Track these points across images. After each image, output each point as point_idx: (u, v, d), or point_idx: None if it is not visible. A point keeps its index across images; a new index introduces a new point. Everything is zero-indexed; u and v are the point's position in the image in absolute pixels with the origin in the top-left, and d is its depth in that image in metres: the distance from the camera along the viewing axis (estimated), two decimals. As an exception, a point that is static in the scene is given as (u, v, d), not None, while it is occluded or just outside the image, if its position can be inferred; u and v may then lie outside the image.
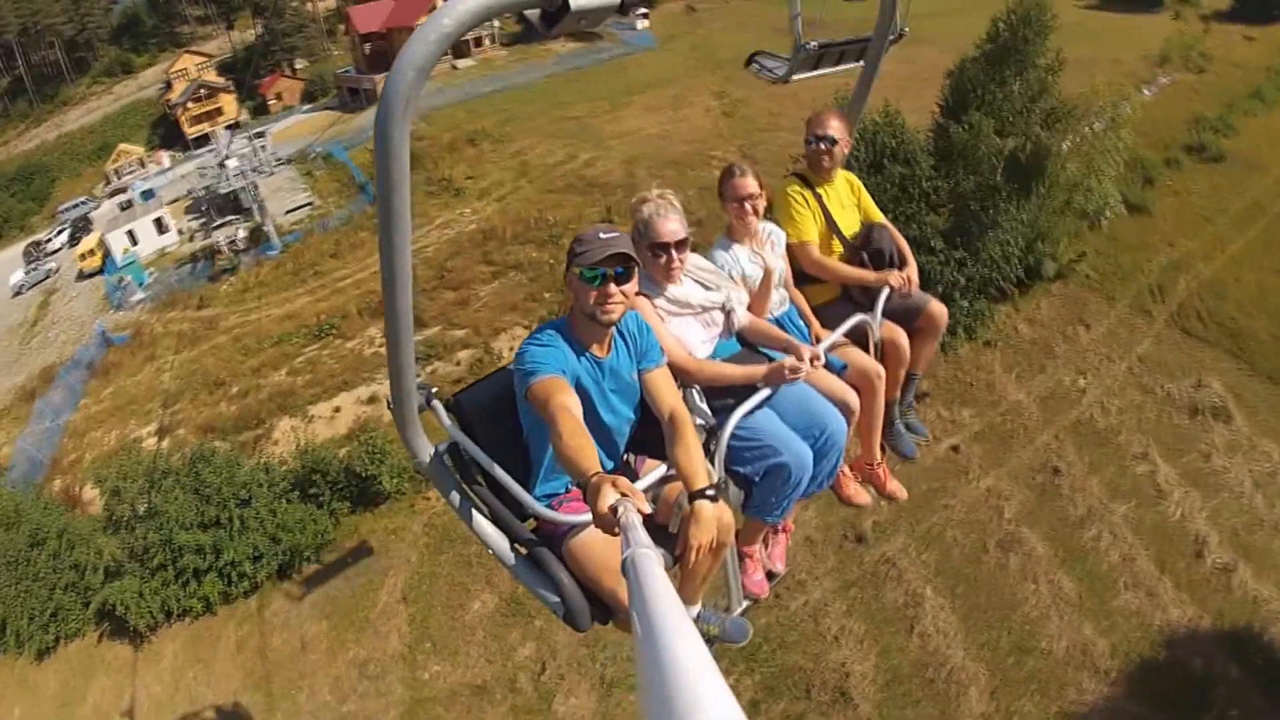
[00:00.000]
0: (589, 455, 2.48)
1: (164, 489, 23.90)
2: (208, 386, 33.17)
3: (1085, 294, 27.99)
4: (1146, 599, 19.14)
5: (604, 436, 3.15)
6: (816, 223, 4.59)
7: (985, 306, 25.94)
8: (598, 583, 2.94)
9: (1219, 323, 26.39)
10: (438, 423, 3.31)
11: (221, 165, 49.22)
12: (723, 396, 3.48)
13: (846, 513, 20.08)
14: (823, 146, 4.51)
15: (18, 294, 51.71)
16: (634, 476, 3.22)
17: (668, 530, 2.92)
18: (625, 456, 3.45)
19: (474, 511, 3.23)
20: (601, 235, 3.03)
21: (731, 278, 4.08)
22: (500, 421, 3.27)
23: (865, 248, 4.57)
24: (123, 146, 72.84)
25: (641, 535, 1.73)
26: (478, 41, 68.20)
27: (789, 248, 4.54)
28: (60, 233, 59.04)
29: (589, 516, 2.64)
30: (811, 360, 3.48)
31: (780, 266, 4.32)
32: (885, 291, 4.38)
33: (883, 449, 4.86)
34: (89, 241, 51.67)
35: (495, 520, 3.18)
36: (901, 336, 4.50)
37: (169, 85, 78.86)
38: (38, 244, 58.50)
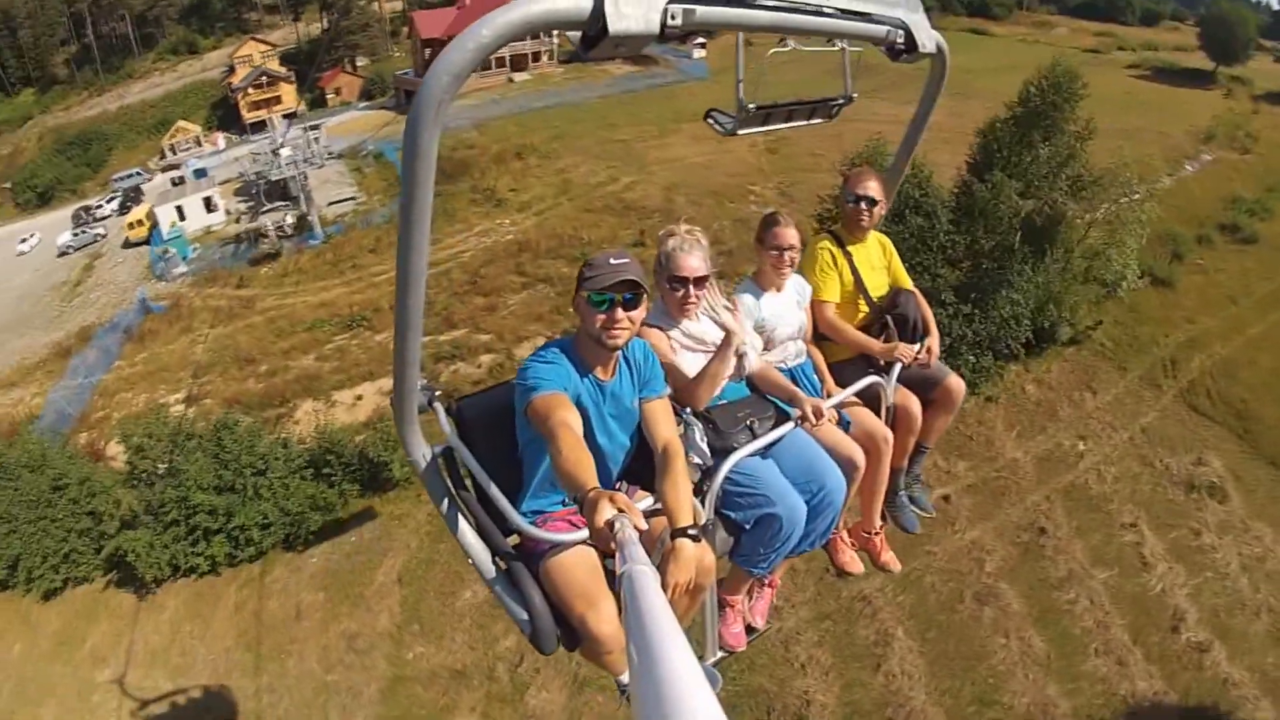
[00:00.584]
0: (588, 470, 2.53)
1: (186, 451, 25.80)
2: (238, 362, 35.30)
3: (1098, 361, 28.88)
4: (1115, 667, 19.81)
5: (598, 461, 3.01)
6: (843, 282, 4.66)
7: (991, 363, 26.92)
8: (569, 606, 2.92)
9: (1228, 403, 27.18)
10: (437, 425, 3.45)
11: (275, 152, 52.12)
12: (726, 440, 3.52)
13: (830, 545, 21.20)
14: (862, 207, 4.58)
15: (63, 254, 54.83)
16: None
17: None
18: (617, 485, 3.46)
19: (460, 518, 3.31)
20: (612, 261, 3.10)
21: (762, 326, 4.25)
22: (497, 434, 3.34)
23: (890, 311, 4.61)
24: (181, 124, 76.51)
25: (638, 551, 1.77)
26: (535, 57, 71.21)
27: (810, 303, 4.63)
28: (111, 200, 62.44)
29: (571, 536, 2.92)
30: (814, 414, 3.55)
31: (800, 321, 4.42)
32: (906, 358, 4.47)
33: (883, 518, 4.94)
34: (138, 212, 54.57)
35: (479, 530, 3.26)
36: (915, 404, 4.52)
37: (232, 69, 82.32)
38: (88, 209, 61.81)
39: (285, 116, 67.96)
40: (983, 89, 29.89)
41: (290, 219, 48.33)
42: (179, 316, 40.76)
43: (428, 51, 73.27)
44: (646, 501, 3.16)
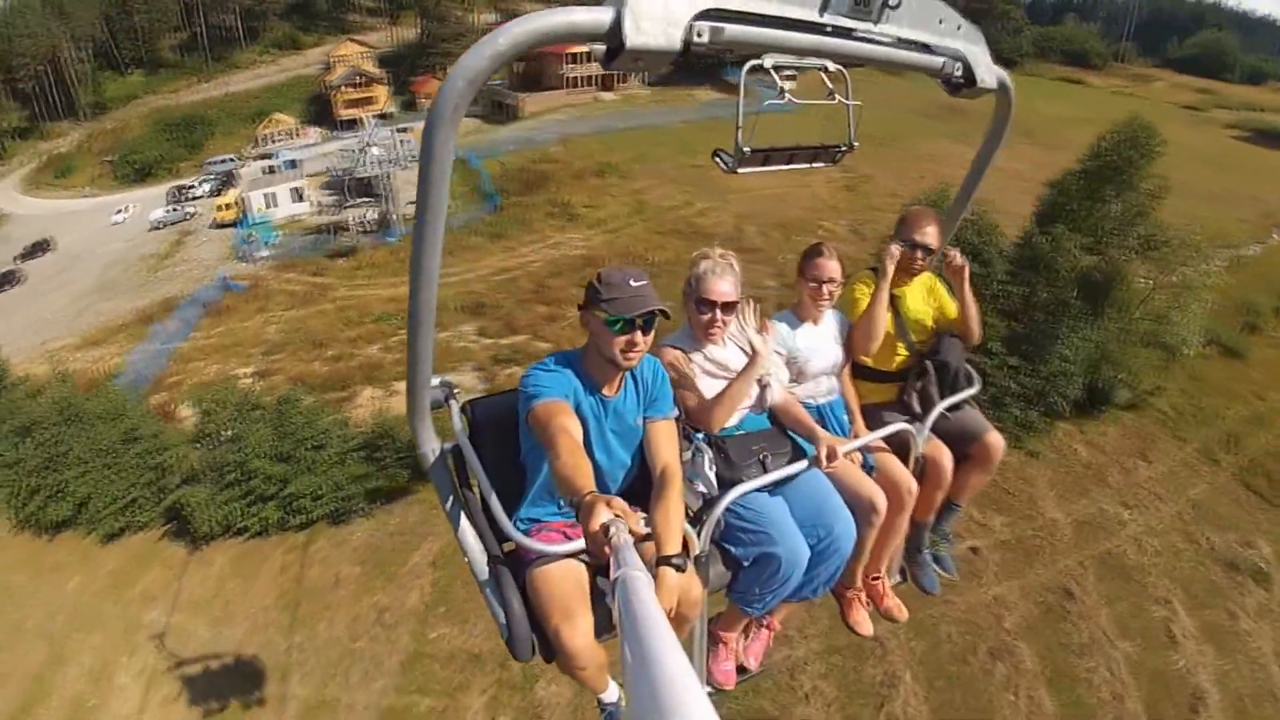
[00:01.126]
0: (585, 475, 2.56)
1: (250, 420, 28.19)
2: (307, 345, 38.03)
3: (1155, 429, 28.61)
4: (1125, 740, 19.96)
5: (595, 478, 2.93)
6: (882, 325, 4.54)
7: (1038, 419, 26.97)
8: (546, 617, 2.94)
9: (1288, 488, 26.62)
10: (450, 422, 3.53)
11: (363, 151, 55.55)
12: (736, 472, 3.53)
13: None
14: (917, 254, 4.49)
15: (155, 229, 59.44)
16: None
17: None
18: None
19: (461, 517, 3.34)
20: (632, 283, 3.13)
21: (795, 357, 4.27)
22: (506, 438, 3.38)
23: (931, 357, 4.54)
24: (277, 115, 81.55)
25: (633, 556, 1.80)
26: (623, 77, 74.58)
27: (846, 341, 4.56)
28: (205, 182, 67.41)
29: (559, 547, 2.97)
30: (827, 456, 3.52)
31: (836, 357, 4.38)
32: (941, 405, 4.38)
33: (902, 573, 4.96)
34: (229, 195, 59.01)
35: (478, 531, 3.30)
36: (946, 457, 4.41)
37: (329, 67, 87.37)
38: (182, 188, 66.84)
39: (378, 116, 71.95)
40: (1071, 140, 29.98)
41: (372, 215, 51.54)
42: (256, 297, 44.05)
43: (519, 65, 77.28)
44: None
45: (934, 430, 4.38)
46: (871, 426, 4.38)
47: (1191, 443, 28.12)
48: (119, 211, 64.77)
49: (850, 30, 2.35)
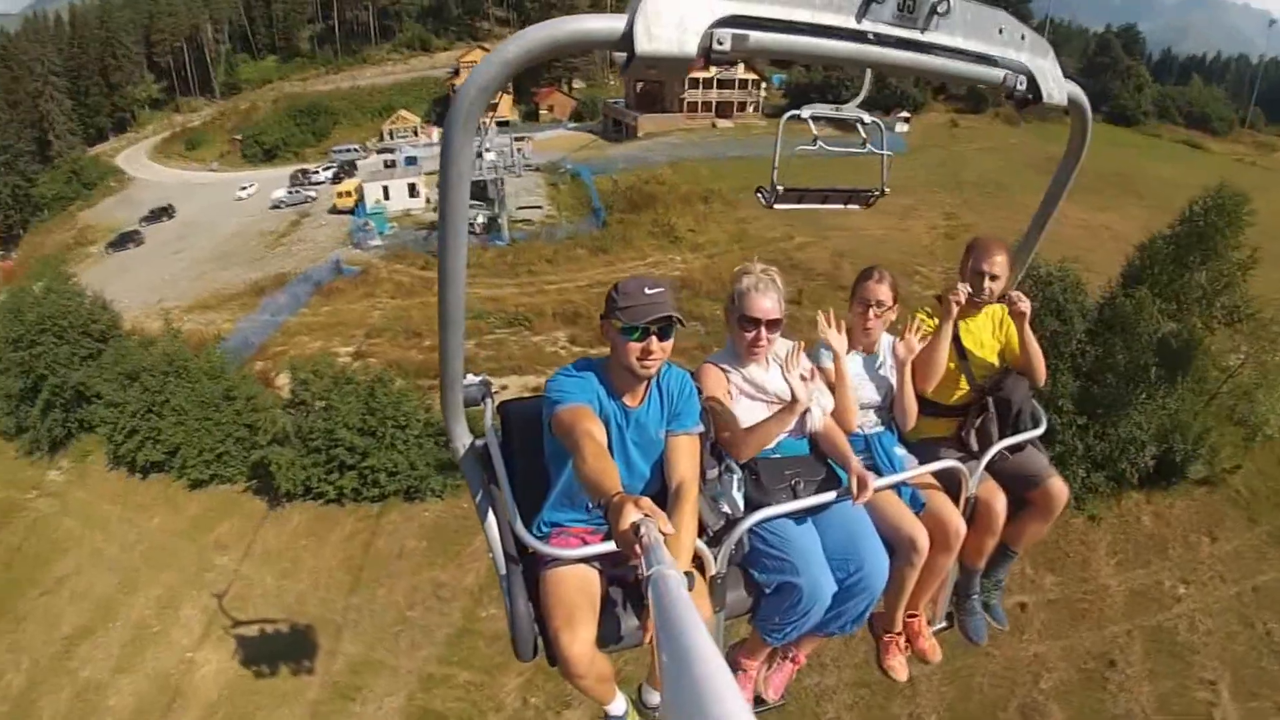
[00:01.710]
0: (612, 476, 2.60)
1: (343, 393, 30.54)
2: (406, 333, 40.72)
3: (1227, 507, 28.14)
4: (1149, 819, 20.04)
5: None
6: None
7: (1103, 482, 26.90)
8: (549, 620, 3.04)
9: (1361, 586, 26.04)
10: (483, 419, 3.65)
11: (480, 155, 58.70)
12: (765, 496, 3.52)
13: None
14: (985, 284, 4.39)
15: (275, 207, 64.27)
16: None
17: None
18: None
19: (489, 512, 3.41)
20: (646, 290, 3.19)
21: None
22: (536, 441, 3.44)
23: (993, 394, 4.41)
24: (402, 112, 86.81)
25: (664, 554, 1.82)
26: (740, 106, 76.88)
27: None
28: (327, 169, 72.45)
29: (570, 552, 3.12)
30: (857, 489, 3.46)
31: (887, 387, 4.32)
32: (999, 444, 4.26)
33: (949, 618, 4.87)
34: (349, 184, 62.98)
35: (499, 528, 3.37)
36: (1000, 501, 4.27)
37: (457, 71, 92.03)
38: (305, 172, 71.89)
39: (498, 123, 75.67)
40: (1182, 205, 29.96)
41: (481, 219, 54.31)
42: (364, 282, 47.12)
43: (639, 85, 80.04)
44: None
45: (992, 471, 4.27)
46: (925, 462, 4.17)
47: (1264, 526, 27.59)
48: (243, 188, 70.24)
49: (893, 38, 2.30)
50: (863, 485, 3.43)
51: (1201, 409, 27.17)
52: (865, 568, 3.53)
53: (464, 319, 2.93)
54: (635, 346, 3.15)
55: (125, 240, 63.07)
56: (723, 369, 3.78)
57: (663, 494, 3.30)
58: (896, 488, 3.96)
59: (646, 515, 2.13)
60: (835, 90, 77.71)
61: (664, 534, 2.06)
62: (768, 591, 3.54)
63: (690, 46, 1.97)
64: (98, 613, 27.70)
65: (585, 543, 3.24)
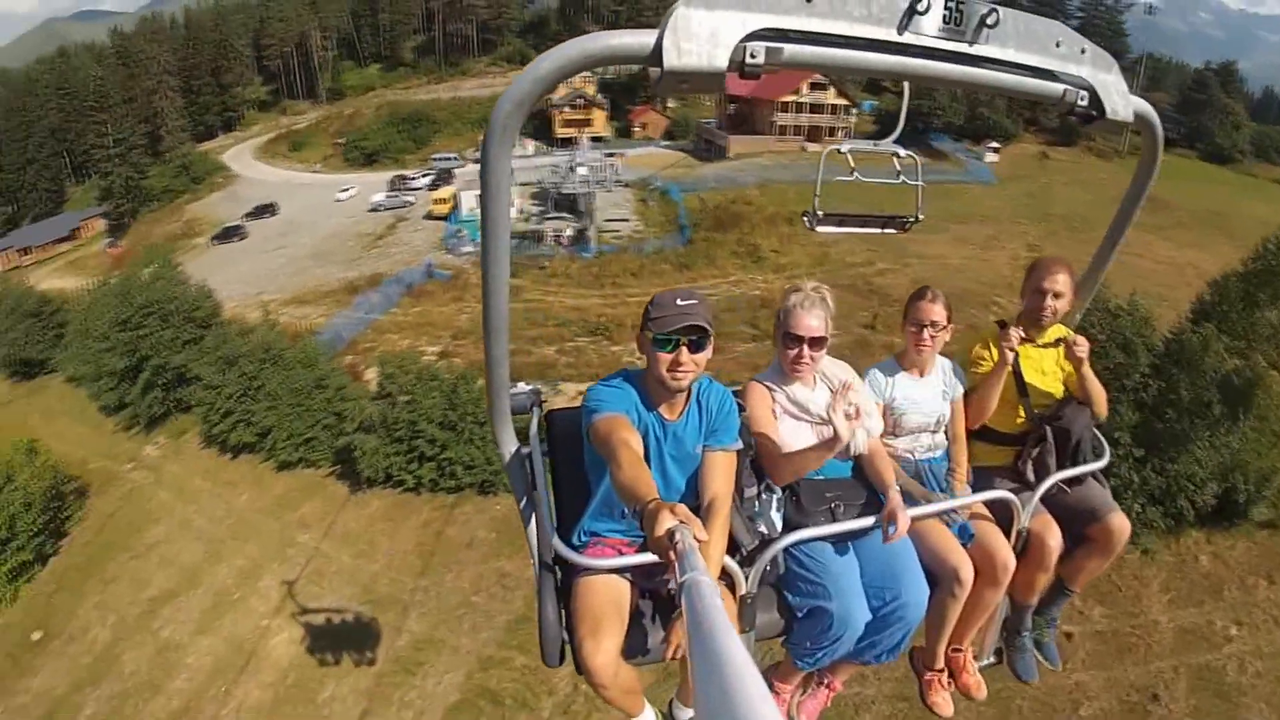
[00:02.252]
0: (647, 484, 2.70)
1: (427, 389, 32.54)
2: (491, 337, 42.95)
3: None
4: None
5: None
6: (1004, 384, 4.38)
7: (1158, 518, 26.78)
8: (575, 628, 3.13)
9: None
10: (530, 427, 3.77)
11: (573, 169, 61.37)
12: (804, 518, 3.54)
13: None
14: (1046, 302, 4.33)
15: (373, 210, 67.95)
16: None
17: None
18: None
19: (532, 519, 3.56)
20: (679, 302, 3.27)
21: (890, 408, 4.20)
22: (579, 450, 3.51)
23: (1052, 423, 4.34)
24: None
25: (698, 560, 1.84)
26: (832, 131, 77.61)
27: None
28: (426, 176, 76.28)
29: (602, 562, 3.24)
30: (887, 519, 3.43)
31: (941, 412, 4.27)
32: (1055, 476, 4.17)
33: (998, 654, 4.84)
34: (445, 192, 66.36)
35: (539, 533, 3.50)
36: (1054, 536, 4.16)
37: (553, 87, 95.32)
38: (403, 178, 75.66)
39: (592, 139, 78.36)
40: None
41: (570, 230, 56.78)
42: (455, 286, 49.95)
43: (731, 107, 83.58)
44: None
45: (1049, 504, 4.17)
46: (979, 491, 4.15)
47: (1325, 572, 27.24)
48: (343, 190, 74.54)
49: (940, 51, 2.28)
50: (893, 520, 3.40)
51: (1266, 449, 26.98)
52: (903, 597, 3.52)
53: (508, 327, 3.04)
54: (666, 357, 3.24)
55: (229, 234, 67.96)
56: (768, 387, 3.81)
57: (697, 509, 3.17)
58: (945, 517, 3.93)
59: (681, 522, 2.17)
60: (926, 118, 78.88)
61: (699, 540, 2.10)
62: (800, 615, 3.57)
63: (720, 61, 2.00)
64: (183, 578, 30.26)
65: (620, 553, 3.36)
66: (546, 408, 3.89)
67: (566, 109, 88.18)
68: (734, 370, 37.30)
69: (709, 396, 3.48)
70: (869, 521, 3.49)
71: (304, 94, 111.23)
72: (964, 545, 3.90)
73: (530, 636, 26.03)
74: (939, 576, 3.77)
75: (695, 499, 3.36)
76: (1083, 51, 2.52)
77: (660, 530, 2.16)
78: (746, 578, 3.28)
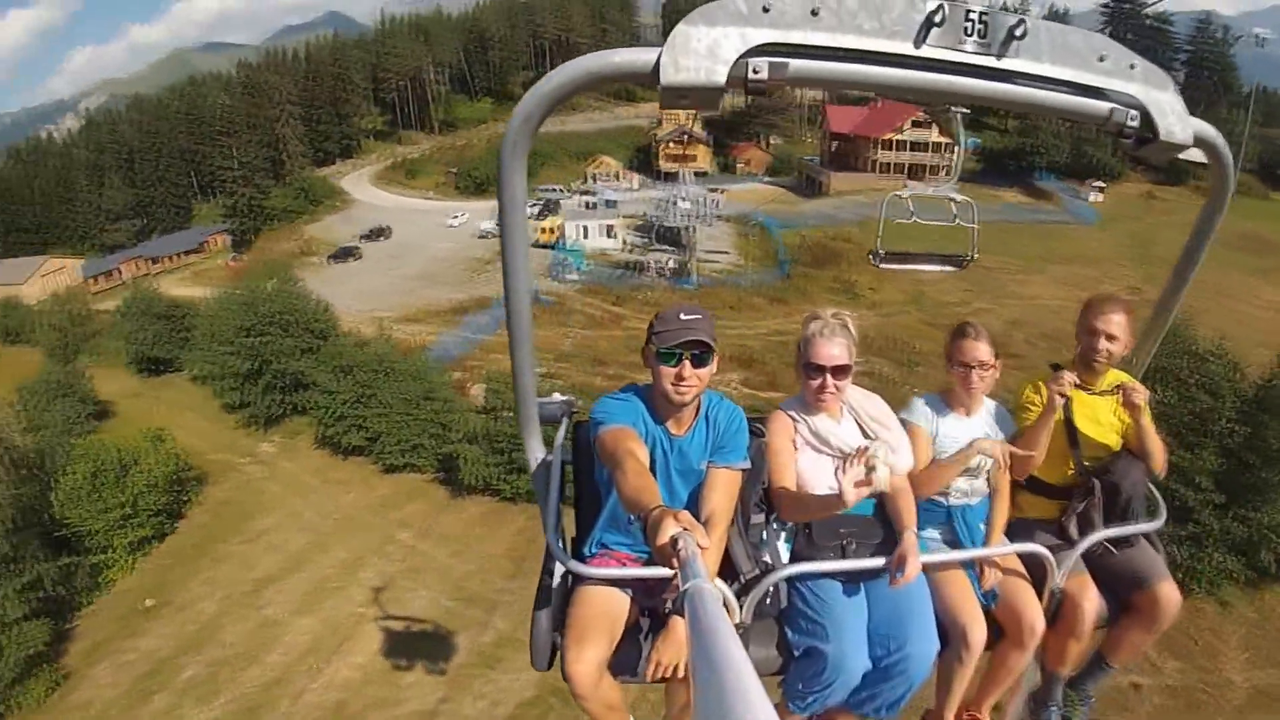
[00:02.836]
0: (652, 492, 2.72)
1: (529, 404, 34.74)
2: (592, 361, 45.34)
3: None
4: None
5: None
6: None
7: (1239, 568, 26.29)
8: (564, 635, 3.20)
9: None
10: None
11: (674, 203, 63.27)
12: (813, 553, 3.48)
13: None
14: (1099, 343, 4.00)
15: (482, 237, 71.09)
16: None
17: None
18: None
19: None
20: (683, 316, 3.30)
21: (934, 443, 3.97)
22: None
23: (1100, 475, 3.97)
24: (604, 158, 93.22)
25: (701, 568, 1.84)
26: (934, 169, 78.00)
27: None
28: (533, 206, 78.17)
29: (597, 571, 3.27)
30: (897, 563, 3.30)
31: (988, 460, 3.87)
32: (1097, 534, 3.81)
33: None
34: (551, 221, 69.01)
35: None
36: (1091, 600, 3.76)
37: (659, 122, 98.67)
38: None
39: (695, 174, 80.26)
40: None
41: (671, 262, 58.63)
42: (559, 312, 52.27)
43: (834, 144, 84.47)
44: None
45: (1092, 566, 3.86)
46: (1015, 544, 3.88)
47: None
48: (454, 217, 78.24)
49: (964, 65, 2.15)
50: (902, 564, 3.29)
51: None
52: (907, 649, 3.33)
53: (531, 336, 3.07)
54: (669, 371, 3.24)
55: (345, 254, 72.13)
56: (791, 417, 3.68)
57: None
58: (969, 569, 3.73)
59: (685, 529, 2.17)
60: (1030, 157, 78.96)
61: (701, 547, 2.09)
62: (796, 654, 3.44)
63: (719, 76, 2.00)
64: (288, 563, 32.83)
65: (623, 566, 3.38)
66: (576, 419, 3.92)
67: (670, 144, 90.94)
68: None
69: (718, 413, 3.50)
70: (878, 563, 3.37)
71: (418, 125, 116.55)
72: (988, 604, 3.70)
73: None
74: (949, 634, 3.54)
75: (698, 515, 3.19)
76: (1132, 67, 2.32)
77: (664, 538, 2.17)
78: (741, 606, 3.19)
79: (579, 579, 3.30)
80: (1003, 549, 3.75)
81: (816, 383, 3.51)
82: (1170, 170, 75.96)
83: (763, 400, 38.61)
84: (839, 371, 3.49)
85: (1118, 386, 3.93)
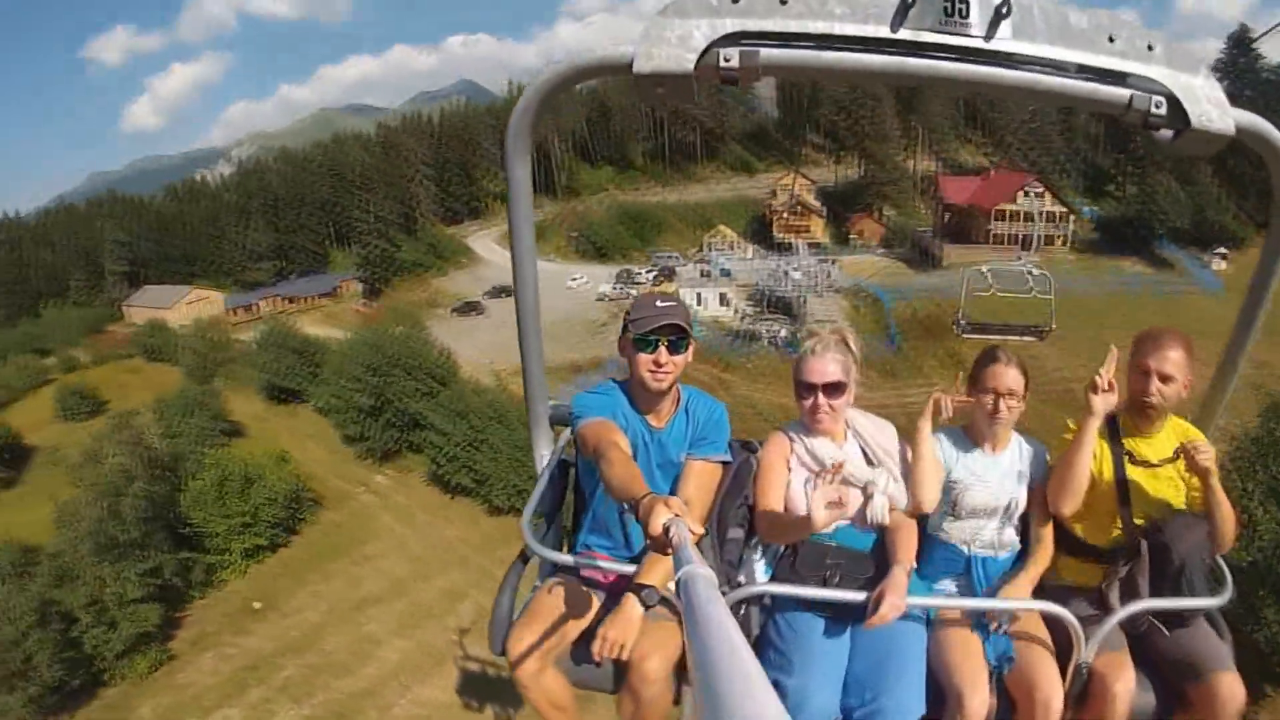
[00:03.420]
0: (640, 479, 2.68)
1: (633, 462, 36.30)
2: (693, 421, 46.38)
3: None
4: None
5: None
6: (1099, 484, 3.49)
7: None
8: (519, 615, 3.27)
9: None
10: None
11: (788, 273, 64.16)
12: (795, 579, 3.21)
13: None
14: (1152, 384, 3.46)
15: (600, 299, 73.86)
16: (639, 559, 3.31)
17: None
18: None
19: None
20: (658, 304, 3.36)
21: (953, 479, 3.58)
22: None
23: (1149, 537, 3.38)
24: (721, 227, 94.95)
25: (694, 554, 1.80)
26: (1049, 240, 76.70)
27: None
28: (650, 271, 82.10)
29: (555, 555, 3.33)
30: (877, 598, 2.99)
31: (1011, 498, 3.53)
32: (1139, 604, 3.23)
33: None
34: (668, 287, 69.96)
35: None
36: (1125, 684, 3.14)
37: (774, 193, 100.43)
38: (629, 272, 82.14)
39: (810, 245, 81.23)
40: None
41: (783, 332, 59.34)
42: (665, 377, 53.52)
43: (947, 215, 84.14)
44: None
45: (1138, 646, 3.31)
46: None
47: None
48: (573, 279, 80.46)
49: (947, 48, 2.02)
50: (880, 599, 2.97)
51: None
52: (883, 702, 2.96)
53: (539, 335, 3.13)
54: (646, 358, 3.26)
55: (469, 308, 76.50)
56: (789, 436, 3.53)
57: None
58: (980, 629, 3.28)
59: (676, 515, 2.13)
60: (1149, 223, 76.76)
61: (693, 533, 2.05)
62: None
63: (688, 64, 1.99)
64: (391, 587, 34.99)
65: (601, 570, 3.39)
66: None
67: (785, 214, 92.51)
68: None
69: (698, 406, 3.50)
70: (857, 596, 3.06)
71: (542, 189, 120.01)
72: (999, 670, 3.22)
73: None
74: (944, 697, 3.10)
75: None
76: (1150, 47, 2.11)
77: (657, 526, 2.12)
78: None
79: (555, 569, 3.44)
80: (1019, 603, 3.34)
81: (808, 402, 3.38)
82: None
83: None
84: (831, 390, 3.34)
85: (1179, 449, 3.32)
